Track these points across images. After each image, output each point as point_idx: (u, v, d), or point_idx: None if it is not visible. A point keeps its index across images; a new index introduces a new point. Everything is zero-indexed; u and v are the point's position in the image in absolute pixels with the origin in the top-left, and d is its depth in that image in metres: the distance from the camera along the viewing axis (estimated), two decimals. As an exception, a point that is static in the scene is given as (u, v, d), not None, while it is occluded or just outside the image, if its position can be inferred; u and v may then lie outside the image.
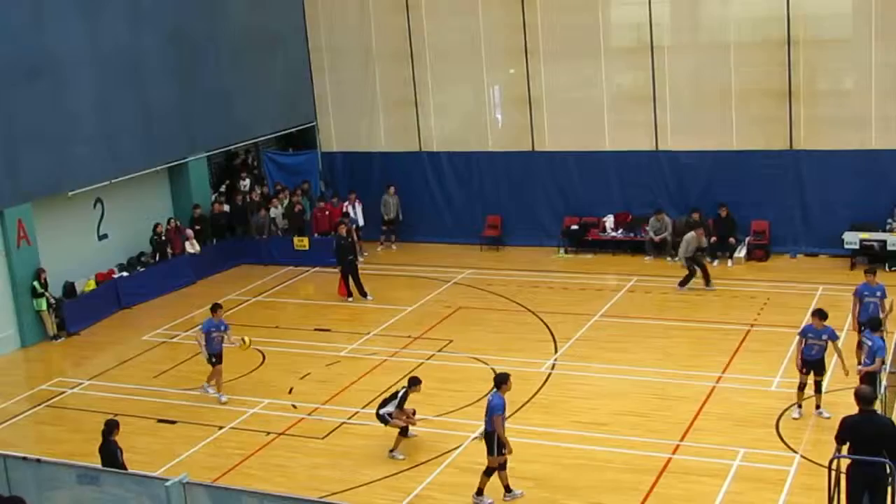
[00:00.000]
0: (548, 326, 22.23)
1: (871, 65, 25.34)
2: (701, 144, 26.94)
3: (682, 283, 24.03)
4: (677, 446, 16.39)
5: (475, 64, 29.03)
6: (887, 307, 18.21)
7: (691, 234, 24.08)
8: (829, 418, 16.40)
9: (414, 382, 16.85)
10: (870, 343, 16.12)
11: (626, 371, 19.56)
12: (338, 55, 30.69)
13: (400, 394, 16.73)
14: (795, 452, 15.81)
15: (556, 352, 20.80)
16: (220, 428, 18.27)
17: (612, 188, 27.95)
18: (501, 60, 28.90)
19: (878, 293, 18.36)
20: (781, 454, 15.87)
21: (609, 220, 27.82)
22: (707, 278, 23.90)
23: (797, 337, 17.05)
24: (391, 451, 16.65)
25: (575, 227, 28.03)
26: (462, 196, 29.60)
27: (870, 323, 17.03)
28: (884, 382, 15.31)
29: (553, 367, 20.03)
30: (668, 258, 26.61)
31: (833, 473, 12.15)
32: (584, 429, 17.17)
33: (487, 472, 14.90)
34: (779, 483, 14.98)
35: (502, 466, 14.87)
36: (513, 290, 24.88)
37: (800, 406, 16.89)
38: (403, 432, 16.80)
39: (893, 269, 23.61)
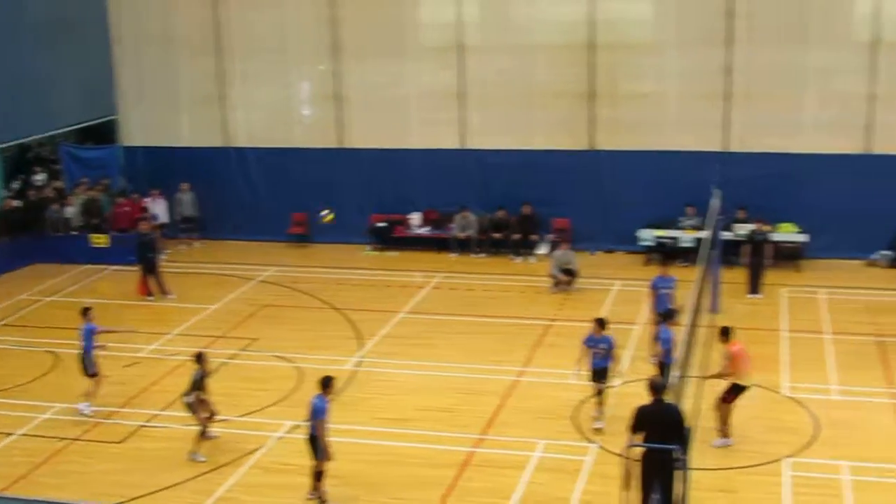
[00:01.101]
0: (354, 324, 22.17)
1: (669, 69, 26.39)
2: (506, 143, 27.41)
3: (557, 285, 24.19)
4: (480, 440, 16.60)
5: (284, 59, 28.75)
6: (678, 301, 18.95)
7: (559, 251, 24.44)
8: (599, 428, 16.69)
9: (200, 359, 16.42)
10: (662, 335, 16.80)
11: (432, 367, 19.70)
12: (141, 46, 29.74)
13: (194, 377, 16.32)
14: (592, 443, 16.23)
15: (361, 349, 20.76)
16: (9, 435, 17.36)
17: (418, 186, 28.11)
18: (311, 56, 28.69)
19: (671, 284, 19.34)
20: (579, 444, 16.28)
21: (415, 218, 27.98)
22: (570, 282, 24.16)
23: (582, 346, 17.20)
24: (191, 453, 16.24)
25: (382, 224, 28.08)
26: (268, 192, 29.20)
27: (663, 315, 17.71)
28: (675, 372, 15.85)
29: (359, 364, 19.98)
30: (473, 254, 27.01)
31: (627, 461, 12.49)
32: (389, 425, 17.19)
33: (318, 477, 14.71)
34: (577, 473, 15.36)
35: (320, 475, 14.72)
36: (318, 288, 24.72)
37: (601, 411, 17.08)
38: (203, 433, 16.42)
39: (685, 264, 24.49)
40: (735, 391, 16.01)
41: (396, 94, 28.18)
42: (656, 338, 17.57)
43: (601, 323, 16.95)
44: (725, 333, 16.18)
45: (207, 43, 28.94)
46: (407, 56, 27.90)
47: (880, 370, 18.99)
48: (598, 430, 16.64)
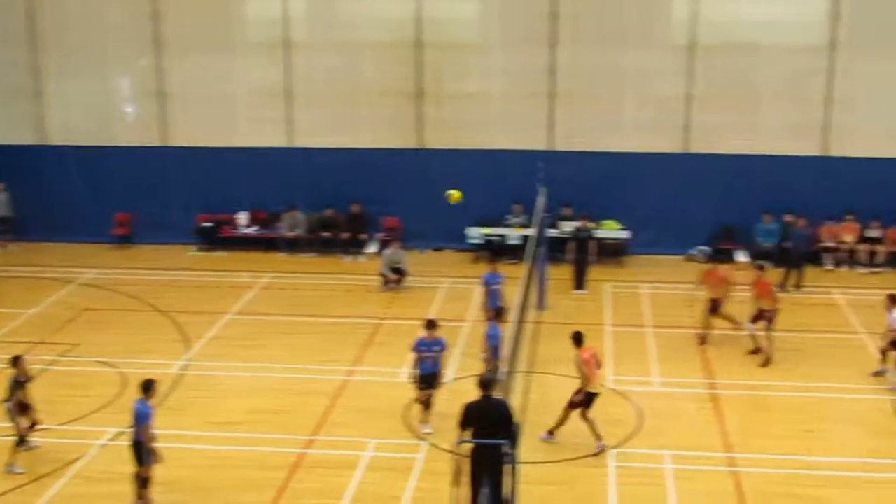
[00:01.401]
0: (180, 327, 21.67)
1: (495, 69, 26.78)
2: (335, 142, 27.25)
3: (386, 284, 24.14)
4: (311, 441, 16.45)
5: (104, 54, 27.85)
6: (505, 298, 19.25)
7: (389, 250, 24.43)
8: (429, 432, 16.58)
9: (16, 363, 15.75)
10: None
11: (261, 368, 19.43)
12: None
13: (10, 381, 15.65)
14: (423, 440, 16.28)
15: (188, 352, 20.31)
16: None
17: (245, 185, 27.69)
18: (132, 51, 27.84)
19: (501, 280, 19.79)
20: (410, 442, 16.32)
21: (243, 217, 27.57)
22: (400, 281, 24.18)
23: (411, 353, 16.84)
24: (8, 465, 15.54)
25: (208, 224, 27.56)
26: (88, 192, 28.19)
27: (495, 311, 17.98)
28: (503, 368, 16.06)
29: (186, 367, 19.53)
30: (302, 254, 26.81)
31: (457, 458, 12.57)
32: (218, 429, 16.83)
33: (143, 484, 14.27)
34: (408, 470, 15.38)
35: (145, 482, 14.30)
36: (142, 290, 24.07)
37: (429, 414, 16.72)
38: (20, 443, 15.74)
39: (513, 261, 24.74)
40: (585, 397, 16.12)
41: (222, 90, 27.66)
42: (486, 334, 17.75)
43: (431, 324, 16.74)
44: (578, 340, 16.17)
45: (19, 34, 27.72)
46: (233, 52, 27.44)
47: (698, 362, 19.70)
48: (427, 434, 16.57)
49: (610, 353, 20.04)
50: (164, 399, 17.61)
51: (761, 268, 20.25)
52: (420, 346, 16.67)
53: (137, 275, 25.37)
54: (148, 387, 14.31)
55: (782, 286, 23.51)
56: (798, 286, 23.97)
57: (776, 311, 19.54)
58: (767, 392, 18.42)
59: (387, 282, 24.08)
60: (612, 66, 26.38)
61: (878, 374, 18.85)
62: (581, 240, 23.99)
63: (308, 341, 20.84)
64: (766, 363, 19.43)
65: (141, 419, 14.09)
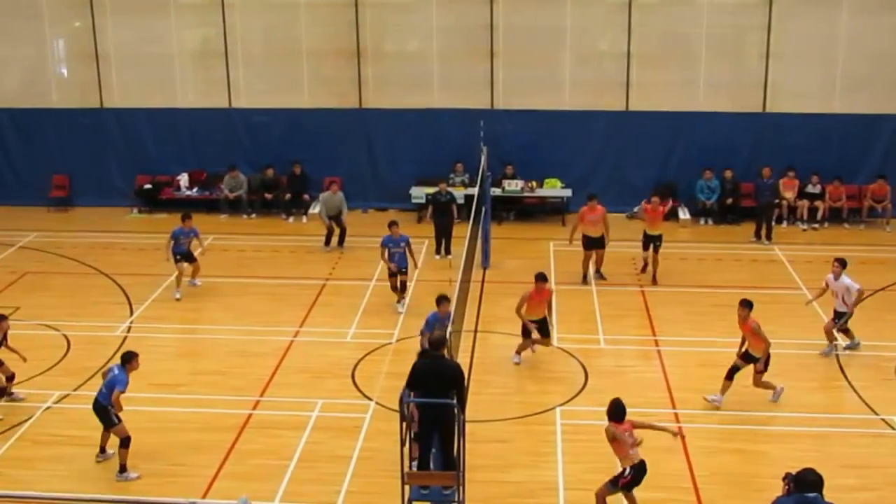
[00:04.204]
0: (122, 288, 21.49)
1: (434, 27, 26.67)
2: (273, 102, 27.09)
3: (328, 241, 24.12)
4: (257, 402, 16.46)
5: (36, 15, 27.29)
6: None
7: (326, 193, 24.16)
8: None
9: None
10: None
11: (204, 330, 19.43)
12: None
13: None
14: (370, 399, 16.38)
15: (131, 314, 20.16)
16: None
17: (185, 146, 27.46)
18: (65, 13, 27.36)
19: (402, 243, 20.08)
20: (357, 402, 16.39)
21: (184, 179, 27.34)
22: (341, 239, 24.13)
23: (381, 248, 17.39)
24: (-18, 421, 15.44)
25: (148, 186, 27.29)
26: (25, 155, 27.79)
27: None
28: (449, 328, 16.15)
29: (129, 329, 19.40)
30: (244, 215, 26.65)
31: (405, 417, 12.63)
32: (162, 391, 16.77)
33: (124, 444, 14.26)
34: (355, 430, 15.45)
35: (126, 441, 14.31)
36: (83, 252, 23.80)
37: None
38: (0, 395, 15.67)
39: (457, 221, 24.69)
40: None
41: (158, 52, 27.28)
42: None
43: (394, 223, 19.93)
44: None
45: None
46: (167, 12, 27.04)
47: (642, 319, 19.91)
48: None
49: (554, 311, 20.11)
50: (108, 361, 17.51)
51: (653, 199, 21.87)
52: (387, 243, 19.88)
53: (77, 237, 25.06)
54: (128, 358, 14.49)
55: (758, 236, 24.43)
56: (769, 237, 24.48)
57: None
58: (710, 349, 18.56)
59: (328, 233, 23.89)
60: (550, 23, 26.41)
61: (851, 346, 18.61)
62: (442, 203, 23.53)
63: (251, 303, 20.79)
64: (654, 281, 21.61)
65: (118, 385, 14.16)
